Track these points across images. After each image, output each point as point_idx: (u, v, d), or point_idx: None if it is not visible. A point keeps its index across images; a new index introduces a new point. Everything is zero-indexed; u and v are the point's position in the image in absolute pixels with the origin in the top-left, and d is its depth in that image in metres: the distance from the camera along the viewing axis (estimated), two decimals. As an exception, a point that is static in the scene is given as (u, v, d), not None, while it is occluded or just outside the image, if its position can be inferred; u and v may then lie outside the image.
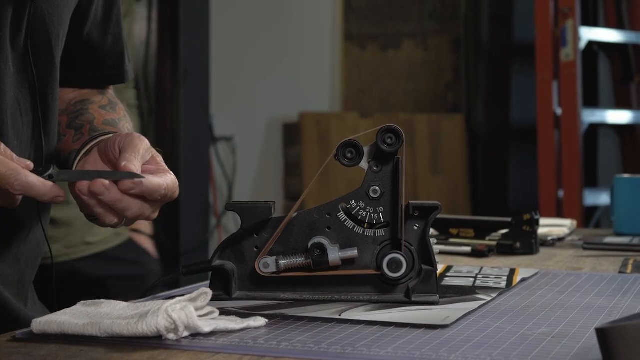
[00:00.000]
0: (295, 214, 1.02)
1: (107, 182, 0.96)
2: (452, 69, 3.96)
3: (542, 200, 3.67)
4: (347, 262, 1.02)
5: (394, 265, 1.00)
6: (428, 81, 3.96)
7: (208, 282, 1.03)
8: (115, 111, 1.23)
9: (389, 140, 1.00)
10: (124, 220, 1.01)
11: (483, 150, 4.01)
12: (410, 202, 1.01)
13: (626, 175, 1.75)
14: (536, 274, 1.22)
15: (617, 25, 3.80)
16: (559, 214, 3.60)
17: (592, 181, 3.84)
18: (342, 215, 1.02)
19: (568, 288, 1.12)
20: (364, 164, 1.02)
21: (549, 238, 1.57)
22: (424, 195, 3.86)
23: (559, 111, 3.60)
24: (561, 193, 3.62)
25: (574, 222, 1.81)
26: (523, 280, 1.17)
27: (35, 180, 0.93)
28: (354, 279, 1.02)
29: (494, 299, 1.03)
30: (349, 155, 1.01)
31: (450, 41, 3.91)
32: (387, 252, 1.00)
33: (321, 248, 1.00)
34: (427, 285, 1.01)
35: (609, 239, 1.61)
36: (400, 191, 1.00)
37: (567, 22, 3.57)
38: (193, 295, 0.87)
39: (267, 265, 1.00)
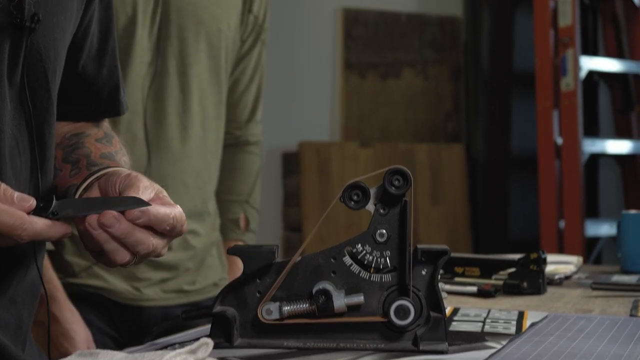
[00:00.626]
0: (299, 258, 0.99)
1: (116, 213, 0.93)
2: (452, 98, 3.94)
3: (543, 231, 3.64)
4: (352, 309, 0.98)
5: (402, 312, 0.96)
6: (428, 110, 3.94)
7: (210, 325, 1.00)
8: (112, 144, 1.20)
9: (397, 182, 0.97)
10: (135, 258, 0.98)
11: (483, 180, 3.98)
12: (419, 246, 0.98)
13: (633, 211, 1.72)
14: (545, 317, 1.19)
15: (617, 54, 3.79)
16: (560, 245, 3.57)
17: (593, 212, 3.81)
18: (347, 260, 0.99)
19: (579, 334, 1.08)
20: (370, 207, 0.99)
21: (556, 277, 1.54)
22: (424, 225, 3.83)
23: (559, 141, 3.58)
24: (562, 224, 3.59)
25: (580, 259, 1.78)
26: (533, 324, 1.14)
27: (42, 226, 0.91)
28: (360, 326, 0.99)
29: (504, 346, 1.00)
30: (355, 197, 0.98)
31: (450, 70, 3.89)
32: (394, 299, 0.97)
33: (326, 294, 0.97)
34: (436, 332, 0.98)
35: (617, 278, 1.57)
36: (408, 235, 0.97)
37: (567, 52, 3.55)
38: (194, 346, 0.83)
39: (270, 311, 0.97)
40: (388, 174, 0.97)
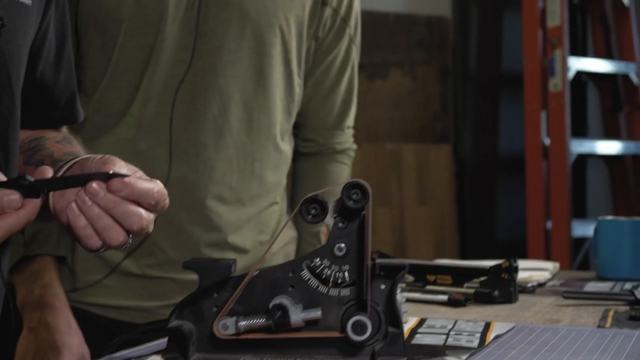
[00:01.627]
0: (257, 272, 0.98)
1: (101, 183, 0.94)
2: (440, 98, 3.93)
3: (530, 232, 3.64)
4: (310, 323, 0.97)
5: (359, 327, 0.96)
6: (416, 110, 3.93)
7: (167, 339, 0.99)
8: (72, 145, 1.19)
9: (355, 196, 0.96)
10: (130, 237, 0.97)
11: (471, 181, 3.98)
12: (377, 260, 0.97)
13: (609, 217, 1.71)
14: (512, 328, 1.18)
15: (606, 55, 3.78)
16: (547, 246, 3.57)
17: (580, 212, 3.80)
18: (305, 274, 0.98)
19: (543, 346, 1.07)
20: (329, 220, 0.98)
21: (529, 284, 1.53)
22: (411, 226, 3.82)
23: (547, 141, 3.58)
24: (549, 224, 3.59)
25: (557, 265, 1.77)
26: (497, 337, 1.13)
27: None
28: (318, 342, 0.98)
29: (464, 361, 0.99)
30: (313, 211, 0.97)
31: (438, 70, 3.88)
32: (352, 314, 0.96)
33: (282, 309, 0.96)
34: (394, 348, 0.97)
35: (591, 285, 1.56)
36: (366, 249, 0.96)
37: (555, 52, 3.55)
38: (143, 364, 0.82)
39: (227, 326, 0.96)
40: (346, 188, 0.96)
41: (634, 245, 1.66)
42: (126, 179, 0.94)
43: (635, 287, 1.51)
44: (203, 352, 0.98)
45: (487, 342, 1.09)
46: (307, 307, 0.97)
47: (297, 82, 1.63)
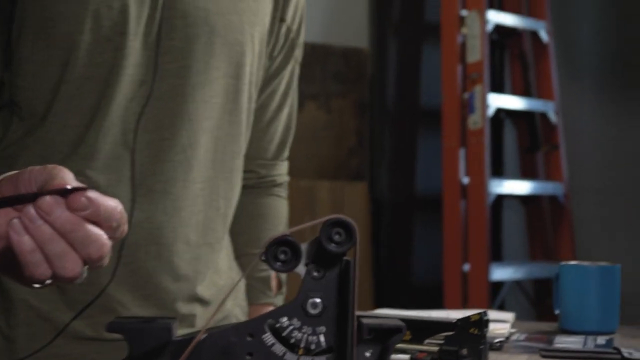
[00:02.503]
0: (205, 335, 0.75)
1: (57, 197, 0.73)
2: (356, 133, 3.74)
3: (446, 274, 3.49)
4: (275, 403, 0.75)
5: (341, 410, 0.73)
6: (331, 146, 3.73)
7: None
8: None
9: (337, 237, 0.75)
10: (85, 268, 0.75)
11: (387, 220, 3.80)
12: (363, 321, 0.75)
13: (572, 263, 1.53)
14: (502, 400, 0.98)
15: (524, 93, 3.69)
16: (464, 290, 3.42)
17: (496, 255, 3.67)
18: (268, 338, 0.75)
19: None
20: (300, 269, 0.76)
21: (496, 340, 1.33)
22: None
23: (465, 180, 3.45)
24: (467, 267, 3.45)
25: (513, 315, 1.58)
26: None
27: None
28: None
29: None
30: (282, 256, 0.74)
31: (355, 104, 3.70)
32: (330, 390, 0.74)
33: (240, 384, 0.73)
34: None
35: (561, 340, 1.38)
36: (350, 306, 0.74)
37: (475, 88, 3.43)
38: None
39: (165, 408, 0.72)
40: (326, 226, 0.74)
41: (602, 295, 1.48)
42: (90, 194, 0.74)
43: (609, 343, 1.34)
44: None
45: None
46: (270, 381, 0.75)
47: (253, 107, 1.44)
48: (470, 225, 3.43)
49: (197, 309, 1.34)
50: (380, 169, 3.83)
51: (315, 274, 0.76)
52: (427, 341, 1.27)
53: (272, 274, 1.52)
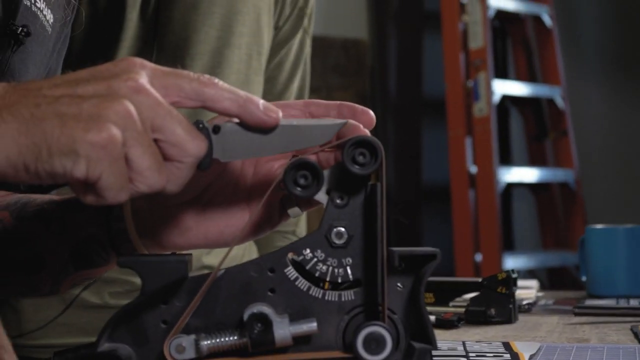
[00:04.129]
0: (222, 270, 0.69)
1: None
2: (360, 125, 3.69)
3: (458, 265, 3.42)
4: (301, 341, 0.68)
5: (374, 343, 0.67)
6: (334, 139, 3.68)
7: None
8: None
9: (362, 158, 0.68)
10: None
11: (394, 213, 3.73)
12: (394, 249, 0.69)
13: (599, 226, 1.47)
14: (540, 349, 0.91)
15: (529, 79, 3.62)
16: (478, 280, 3.35)
17: (508, 244, 3.60)
18: (291, 272, 0.69)
19: (596, 367, 0.81)
20: (321, 196, 0.70)
21: (524, 302, 1.27)
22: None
23: (473, 169, 3.38)
24: (479, 257, 3.38)
25: (537, 283, 1.52)
26: (532, 357, 0.85)
27: None
28: (313, 366, 0.69)
29: (511, 388, 0.71)
30: (302, 181, 0.68)
31: (356, 96, 3.63)
32: (360, 325, 0.67)
33: (263, 320, 0.66)
34: (420, 371, 0.68)
35: (591, 302, 1.31)
36: (378, 234, 0.68)
37: (479, 75, 3.37)
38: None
39: (183, 348, 0.66)
40: (349, 147, 0.68)
41: (631, 256, 1.41)
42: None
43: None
44: (148, 388, 0.68)
45: (523, 364, 0.82)
46: (295, 318, 0.68)
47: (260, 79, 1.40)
48: (481, 215, 3.36)
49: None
50: (386, 162, 3.76)
51: (338, 201, 0.69)
52: (452, 303, 1.21)
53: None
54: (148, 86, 0.58)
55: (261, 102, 0.64)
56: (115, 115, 0.56)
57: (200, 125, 0.62)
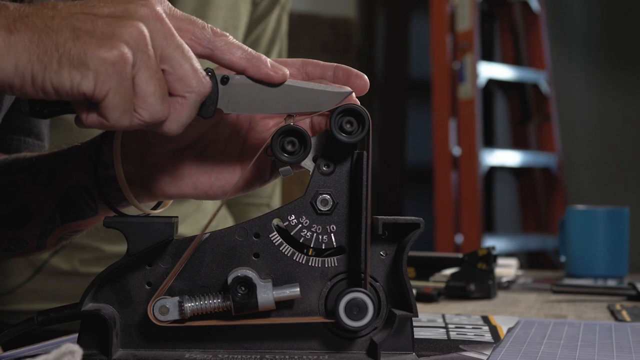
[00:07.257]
0: (207, 234, 0.69)
1: None
2: (346, 104, 3.69)
3: (438, 246, 3.43)
4: (283, 305, 0.69)
5: (357, 309, 0.68)
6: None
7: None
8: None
9: (349, 126, 0.69)
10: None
11: (376, 192, 3.75)
12: (378, 217, 0.69)
13: (580, 207, 1.48)
14: (517, 323, 0.92)
15: (515, 63, 3.63)
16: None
17: (489, 227, 3.62)
18: (275, 237, 0.70)
19: (574, 341, 0.82)
20: (307, 163, 0.70)
21: (504, 279, 1.28)
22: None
23: (456, 151, 3.39)
24: (459, 238, 3.40)
25: (516, 262, 1.53)
26: (510, 331, 0.87)
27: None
28: (295, 331, 0.70)
29: (489, 357, 0.73)
30: (289, 147, 0.69)
31: (343, 75, 3.64)
32: (343, 291, 0.68)
33: (247, 284, 0.67)
34: (400, 338, 0.70)
35: (569, 281, 1.33)
36: (364, 202, 0.68)
37: (465, 57, 3.37)
38: (51, 357, 0.53)
39: (166, 309, 0.67)
40: (336, 115, 0.69)
41: (610, 238, 1.43)
42: None
43: (620, 283, 1.29)
44: (131, 348, 0.68)
45: (502, 337, 0.83)
46: (278, 282, 0.69)
47: None
48: (463, 197, 3.37)
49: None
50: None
51: (324, 168, 0.70)
52: (432, 278, 1.23)
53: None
54: (164, 15, 0.59)
55: (269, 59, 0.65)
56: (128, 35, 0.57)
57: (209, 73, 0.64)
